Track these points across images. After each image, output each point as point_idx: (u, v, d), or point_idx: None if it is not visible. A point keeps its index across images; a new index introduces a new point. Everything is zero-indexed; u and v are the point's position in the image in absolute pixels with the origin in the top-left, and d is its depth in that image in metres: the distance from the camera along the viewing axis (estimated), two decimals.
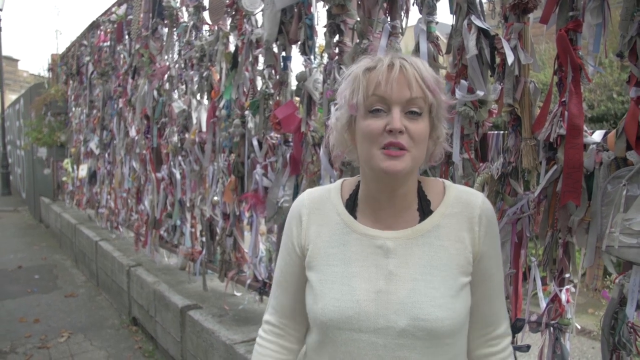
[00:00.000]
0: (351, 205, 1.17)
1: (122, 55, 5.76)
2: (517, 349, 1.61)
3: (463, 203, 1.12)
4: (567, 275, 1.62)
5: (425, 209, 1.12)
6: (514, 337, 1.62)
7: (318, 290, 1.11)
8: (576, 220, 1.54)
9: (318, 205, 1.19)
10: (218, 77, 3.62)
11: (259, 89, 3.15)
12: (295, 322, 1.24)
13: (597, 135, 1.54)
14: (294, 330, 1.25)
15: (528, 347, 1.67)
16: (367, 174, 1.11)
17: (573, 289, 1.64)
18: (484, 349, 1.17)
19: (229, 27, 3.43)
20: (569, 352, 1.61)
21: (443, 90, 1.08)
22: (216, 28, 3.59)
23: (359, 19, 2.28)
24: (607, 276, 1.50)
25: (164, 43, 4.56)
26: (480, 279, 1.12)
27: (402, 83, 1.01)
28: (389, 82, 1.01)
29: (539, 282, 1.71)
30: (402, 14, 2.13)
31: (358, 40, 2.26)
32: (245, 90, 3.30)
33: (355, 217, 1.15)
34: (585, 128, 1.51)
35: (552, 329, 1.63)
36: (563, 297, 1.61)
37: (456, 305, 1.05)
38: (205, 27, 3.93)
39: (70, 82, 8.52)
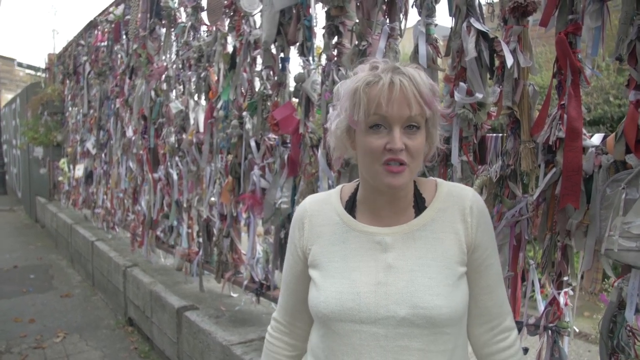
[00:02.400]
0: (350, 206, 1.22)
1: (119, 55, 5.75)
2: None
3: (454, 197, 1.17)
4: (565, 279, 1.62)
5: (420, 206, 1.17)
6: None
7: (320, 284, 1.15)
8: (575, 223, 1.54)
9: (319, 207, 1.25)
10: (216, 77, 3.61)
11: (257, 90, 3.14)
12: (299, 320, 1.31)
13: (596, 139, 1.54)
14: (298, 329, 1.32)
15: (526, 350, 1.67)
16: (367, 182, 1.16)
17: (571, 292, 1.64)
18: (494, 345, 1.19)
19: (227, 27, 3.42)
20: (567, 355, 1.61)
21: (438, 98, 1.13)
22: (214, 29, 3.58)
23: (357, 20, 2.28)
24: (606, 279, 1.50)
25: (162, 43, 4.54)
26: (477, 270, 1.16)
27: (402, 103, 1.05)
28: (390, 102, 1.05)
29: (537, 285, 1.71)
30: (401, 15, 2.13)
31: (357, 42, 2.26)
32: (243, 91, 3.29)
33: (354, 217, 1.20)
34: (584, 131, 1.51)
35: (550, 332, 1.63)
36: (561, 300, 1.61)
37: (453, 294, 1.09)
38: (203, 28, 3.91)
39: (67, 81, 8.49)
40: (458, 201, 1.16)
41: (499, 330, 1.19)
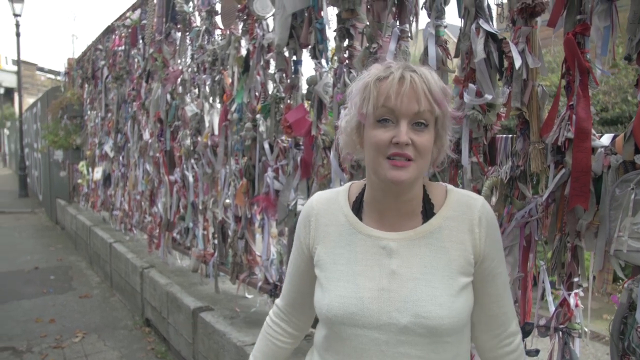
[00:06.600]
0: (357, 207, 1.22)
1: (136, 59, 5.83)
2: (526, 353, 1.60)
3: (464, 206, 1.16)
4: (576, 279, 1.61)
5: (428, 212, 1.16)
6: (523, 341, 1.61)
7: (325, 287, 1.16)
8: (584, 224, 1.53)
9: (326, 206, 1.25)
10: (230, 80, 3.64)
11: (270, 92, 3.17)
12: (298, 311, 1.37)
13: (605, 139, 1.53)
14: (295, 318, 1.38)
15: (537, 352, 1.66)
16: (373, 180, 1.15)
17: (582, 293, 1.63)
18: (499, 350, 1.21)
19: (240, 31, 3.46)
20: (578, 357, 1.60)
21: (449, 101, 1.12)
22: (228, 32, 3.62)
23: (368, 23, 2.29)
24: (620, 280, 1.49)
25: (177, 47, 4.60)
26: (485, 280, 1.16)
27: (412, 97, 1.05)
28: (399, 96, 1.04)
29: (547, 286, 1.71)
30: (411, 18, 2.14)
31: (367, 44, 2.27)
32: (256, 94, 3.32)
33: (360, 219, 1.19)
34: (593, 131, 1.50)
35: (560, 333, 1.62)
36: (572, 301, 1.60)
37: (456, 304, 1.09)
38: (218, 32, 3.96)
39: (86, 85, 8.62)
40: (467, 211, 1.15)
41: (505, 336, 1.21)
